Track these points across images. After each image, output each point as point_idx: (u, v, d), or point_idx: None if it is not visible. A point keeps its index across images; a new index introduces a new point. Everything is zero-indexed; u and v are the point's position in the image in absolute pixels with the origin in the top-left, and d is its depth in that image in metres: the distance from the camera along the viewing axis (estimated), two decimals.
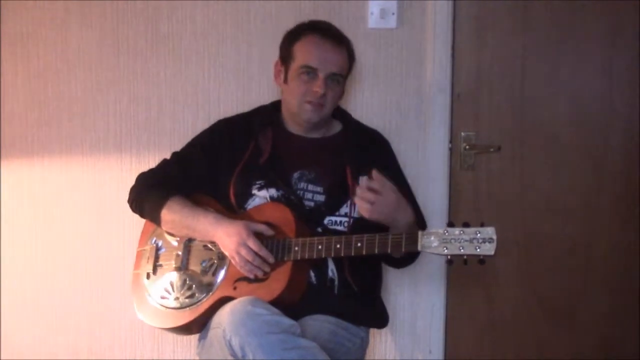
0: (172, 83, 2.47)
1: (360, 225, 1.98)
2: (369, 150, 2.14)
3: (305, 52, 2.05)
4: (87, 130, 2.50)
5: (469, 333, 2.55)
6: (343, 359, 1.96)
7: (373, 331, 2.24)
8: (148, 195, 2.08)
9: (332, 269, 2.01)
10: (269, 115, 2.16)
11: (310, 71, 2.03)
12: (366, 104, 2.42)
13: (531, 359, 2.54)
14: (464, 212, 2.45)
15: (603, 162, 2.47)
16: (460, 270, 2.47)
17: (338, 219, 2.04)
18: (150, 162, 2.41)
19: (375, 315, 2.13)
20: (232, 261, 1.95)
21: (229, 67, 2.45)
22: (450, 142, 2.45)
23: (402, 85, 2.42)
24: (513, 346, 2.55)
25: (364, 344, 2.10)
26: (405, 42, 2.40)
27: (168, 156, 2.20)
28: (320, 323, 1.95)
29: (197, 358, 2.03)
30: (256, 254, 1.91)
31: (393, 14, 2.38)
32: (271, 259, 1.92)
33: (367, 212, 1.87)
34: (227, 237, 1.94)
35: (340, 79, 2.07)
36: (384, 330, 2.41)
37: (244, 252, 1.91)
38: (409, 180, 2.24)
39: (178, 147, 2.22)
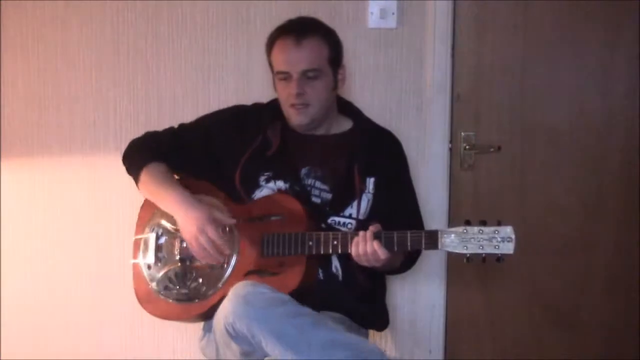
0: (172, 83, 2.47)
1: (364, 228, 1.93)
2: (378, 152, 2.09)
3: (276, 58, 2.02)
4: (87, 130, 2.50)
5: (469, 333, 2.55)
6: None
7: (373, 331, 2.24)
8: (138, 152, 2.09)
9: (335, 266, 2.00)
10: (278, 111, 2.10)
11: (285, 75, 2.00)
12: (366, 104, 2.41)
13: (531, 359, 2.54)
14: (464, 212, 2.45)
15: (603, 162, 2.48)
16: (461, 270, 2.49)
17: (342, 219, 2.02)
18: None
19: (375, 317, 2.12)
20: (189, 246, 1.94)
21: (229, 67, 2.45)
22: (450, 142, 2.45)
23: (402, 85, 2.42)
24: (513, 346, 2.55)
25: None
26: (405, 42, 2.40)
27: None
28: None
29: (200, 351, 2.04)
30: (214, 243, 1.90)
31: (393, 14, 2.38)
32: (227, 251, 1.93)
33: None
34: (187, 220, 1.93)
35: (317, 73, 1.99)
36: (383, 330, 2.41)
37: (202, 239, 1.90)
38: None
39: None
